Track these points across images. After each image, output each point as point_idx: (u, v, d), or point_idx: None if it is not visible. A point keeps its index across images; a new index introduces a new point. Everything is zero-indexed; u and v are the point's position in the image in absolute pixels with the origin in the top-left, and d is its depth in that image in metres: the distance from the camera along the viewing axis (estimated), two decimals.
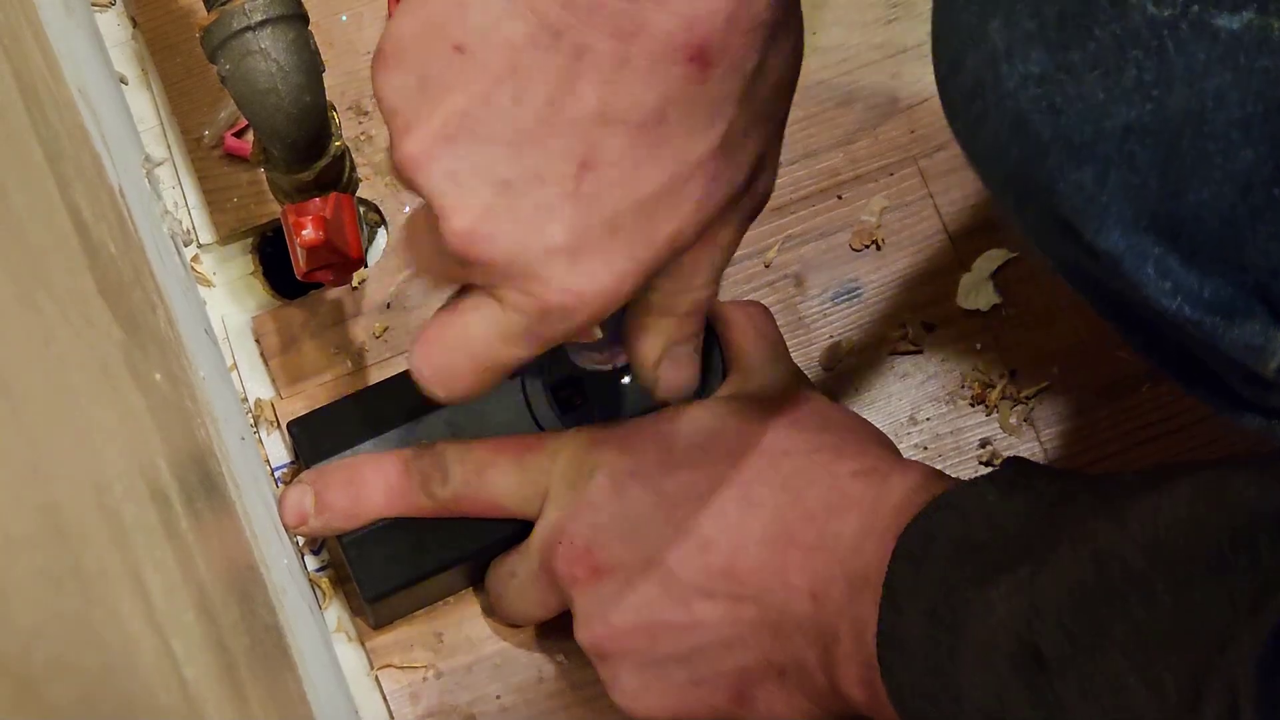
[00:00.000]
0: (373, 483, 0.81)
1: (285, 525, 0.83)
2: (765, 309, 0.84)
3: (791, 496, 0.76)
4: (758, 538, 0.76)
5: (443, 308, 0.69)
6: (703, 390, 0.82)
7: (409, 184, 0.65)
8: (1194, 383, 0.68)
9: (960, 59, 0.62)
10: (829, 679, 0.75)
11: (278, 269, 0.91)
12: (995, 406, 0.87)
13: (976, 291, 0.89)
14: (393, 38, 0.65)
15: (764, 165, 0.68)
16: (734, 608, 0.76)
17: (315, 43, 0.79)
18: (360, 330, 0.89)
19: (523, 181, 0.64)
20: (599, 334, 0.72)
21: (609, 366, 0.77)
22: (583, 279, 0.65)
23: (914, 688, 0.71)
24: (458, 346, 0.68)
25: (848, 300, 0.89)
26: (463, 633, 0.85)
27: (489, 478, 0.80)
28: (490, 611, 0.85)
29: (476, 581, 0.85)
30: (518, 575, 0.82)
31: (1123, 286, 0.64)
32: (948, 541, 0.71)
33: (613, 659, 0.78)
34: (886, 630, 0.71)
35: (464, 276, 0.67)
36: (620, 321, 0.72)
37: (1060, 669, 0.63)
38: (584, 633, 0.78)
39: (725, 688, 0.77)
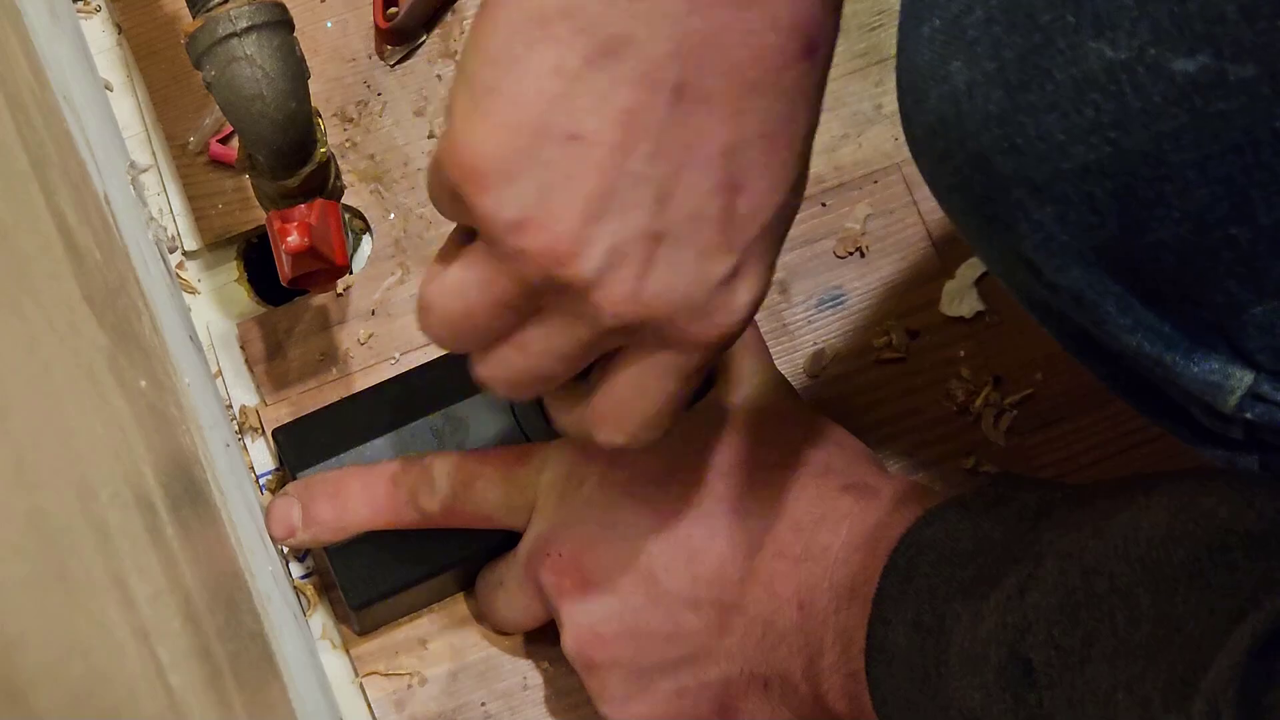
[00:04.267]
0: (359, 496, 0.81)
1: (272, 537, 0.82)
2: None
3: (780, 509, 0.76)
4: (745, 549, 0.76)
5: (607, 373, 0.67)
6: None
7: (566, 277, 0.63)
8: (1158, 414, 0.68)
9: (923, 96, 0.62)
10: (813, 691, 0.75)
11: (262, 275, 0.91)
12: (979, 413, 0.88)
13: (960, 298, 0.89)
14: (485, 154, 0.62)
15: None
16: (720, 617, 0.76)
17: (300, 49, 0.79)
18: (345, 337, 0.89)
19: (677, 228, 0.62)
20: None
21: None
22: (745, 296, 0.64)
23: (900, 700, 0.71)
24: (641, 409, 0.67)
25: (832, 307, 0.89)
26: (447, 640, 0.85)
27: (477, 490, 0.80)
28: (477, 618, 0.85)
29: (462, 588, 0.85)
30: (505, 584, 0.82)
31: (1085, 321, 0.64)
32: (935, 555, 0.71)
33: (599, 668, 0.78)
34: (875, 642, 0.71)
35: (621, 342, 0.66)
36: None
37: (1049, 682, 0.63)
38: (570, 642, 0.78)
39: (710, 699, 0.77)
